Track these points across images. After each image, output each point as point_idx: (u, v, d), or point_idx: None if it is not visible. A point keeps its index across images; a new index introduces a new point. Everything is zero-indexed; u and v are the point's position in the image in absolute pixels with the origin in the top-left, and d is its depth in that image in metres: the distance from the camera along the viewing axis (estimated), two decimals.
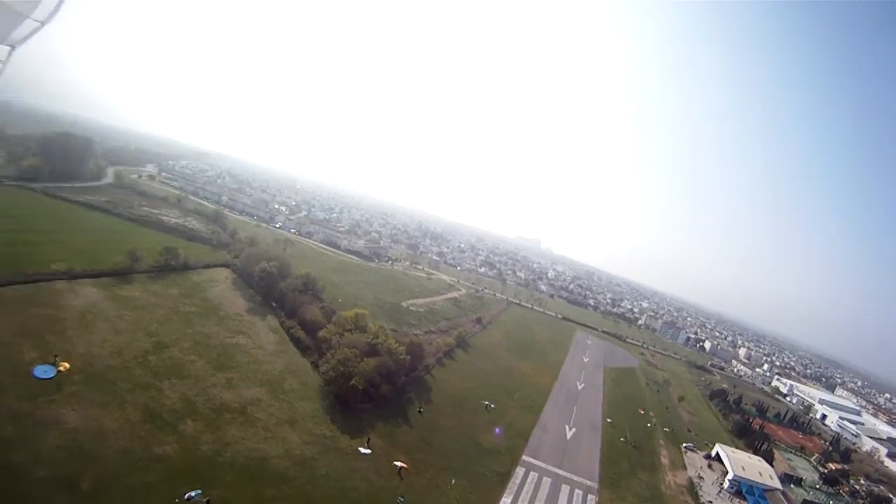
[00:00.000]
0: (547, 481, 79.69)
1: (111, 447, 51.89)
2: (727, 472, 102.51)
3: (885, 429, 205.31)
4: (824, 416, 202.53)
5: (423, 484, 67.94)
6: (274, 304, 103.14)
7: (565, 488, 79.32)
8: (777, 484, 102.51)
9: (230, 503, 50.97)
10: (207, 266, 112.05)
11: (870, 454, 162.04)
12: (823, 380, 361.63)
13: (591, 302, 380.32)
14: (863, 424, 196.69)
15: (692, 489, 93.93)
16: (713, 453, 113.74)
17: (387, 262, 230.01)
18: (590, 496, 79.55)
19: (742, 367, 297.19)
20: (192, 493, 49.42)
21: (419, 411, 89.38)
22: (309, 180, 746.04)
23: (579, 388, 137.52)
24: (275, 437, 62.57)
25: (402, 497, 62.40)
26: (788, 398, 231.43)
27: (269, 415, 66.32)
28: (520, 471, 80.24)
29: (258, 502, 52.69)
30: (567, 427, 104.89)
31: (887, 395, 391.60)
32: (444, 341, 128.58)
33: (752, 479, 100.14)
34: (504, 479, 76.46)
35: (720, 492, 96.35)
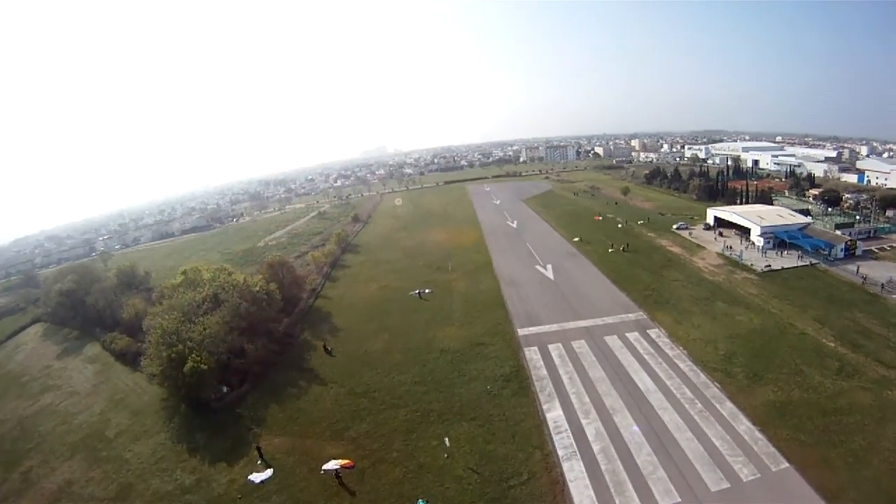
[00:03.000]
0: (581, 344, 46.81)
1: None
2: (749, 231, 79.29)
3: (814, 152, 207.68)
4: (756, 162, 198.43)
5: (396, 475, 32.57)
6: (98, 328, 78.91)
7: (612, 340, 47.17)
8: (803, 219, 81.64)
9: None
10: (10, 336, 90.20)
11: (826, 175, 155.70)
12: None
13: (464, 163, 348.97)
14: (794, 156, 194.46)
15: (736, 263, 68.36)
16: (710, 223, 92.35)
17: (231, 220, 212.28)
18: (648, 331, 48.51)
19: (646, 154, 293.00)
20: None
21: (326, 351, 51.47)
22: (140, 204, 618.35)
23: (514, 226, 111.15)
24: None
25: (423, 501, 30.09)
26: (710, 161, 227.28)
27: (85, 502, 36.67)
28: (531, 354, 46.29)
29: None
30: (541, 268, 74.42)
31: (778, 137, 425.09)
32: (323, 252, 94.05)
33: (778, 223, 77.70)
34: (521, 380, 42.23)
35: (764, 252, 72.21)
